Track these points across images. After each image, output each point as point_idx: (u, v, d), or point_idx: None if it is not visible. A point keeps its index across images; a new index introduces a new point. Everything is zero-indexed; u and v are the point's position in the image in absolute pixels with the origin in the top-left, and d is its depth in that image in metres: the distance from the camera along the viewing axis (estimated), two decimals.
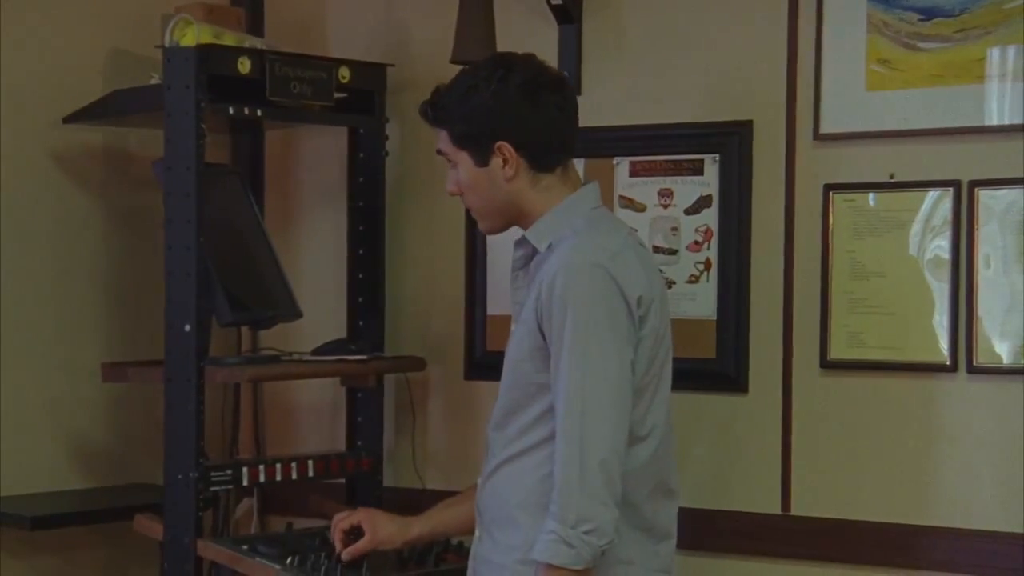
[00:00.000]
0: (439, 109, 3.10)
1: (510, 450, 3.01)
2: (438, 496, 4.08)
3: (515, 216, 3.08)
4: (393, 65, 4.19)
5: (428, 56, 4.24)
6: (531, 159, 3.04)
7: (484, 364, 4.14)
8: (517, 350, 3.01)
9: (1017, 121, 3.49)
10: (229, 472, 3.80)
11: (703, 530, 3.58)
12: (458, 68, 3.90)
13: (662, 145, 3.90)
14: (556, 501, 2.87)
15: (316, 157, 4.50)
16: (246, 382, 4.20)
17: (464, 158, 3.05)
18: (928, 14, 3.59)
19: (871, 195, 3.65)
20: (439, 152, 3.11)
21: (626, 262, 2.96)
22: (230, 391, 4.41)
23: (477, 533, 3.16)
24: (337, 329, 4.24)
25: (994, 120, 3.52)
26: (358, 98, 4.15)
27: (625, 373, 2.91)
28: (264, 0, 4.55)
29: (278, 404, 4.55)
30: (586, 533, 2.85)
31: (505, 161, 3.03)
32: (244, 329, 4.27)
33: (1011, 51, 3.51)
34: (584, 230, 3.01)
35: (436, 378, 4.24)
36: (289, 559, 3.63)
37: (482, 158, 3.03)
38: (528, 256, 3.10)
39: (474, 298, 4.18)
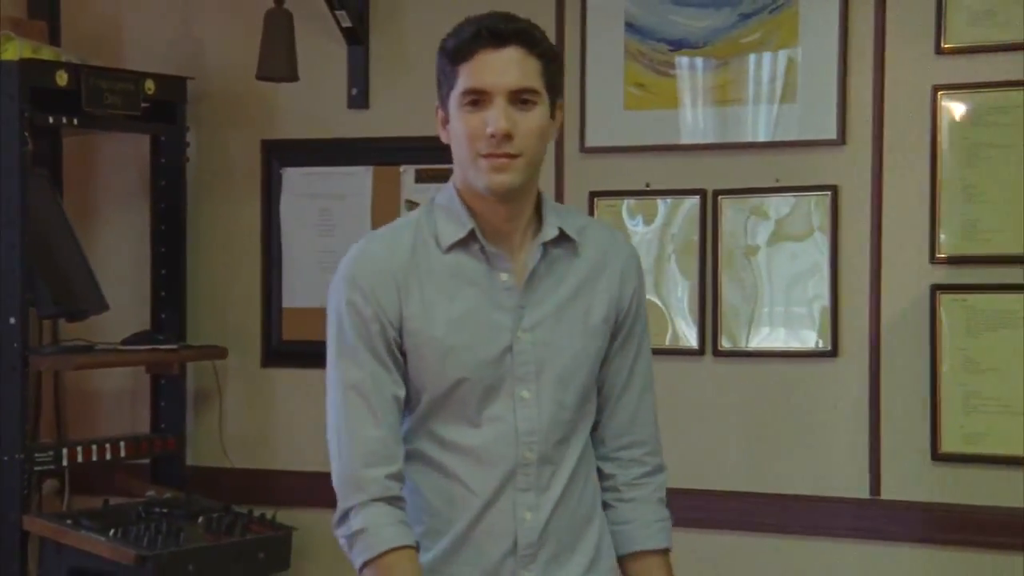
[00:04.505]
0: (538, 34, 2.56)
1: (572, 462, 2.62)
2: (243, 474, 4.45)
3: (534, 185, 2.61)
4: (193, 78, 4.54)
5: (224, 69, 4.61)
6: None
7: (280, 352, 4.55)
8: (591, 353, 2.62)
9: (753, 139, 4.05)
10: (51, 453, 4.12)
11: None
12: (262, 84, 4.35)
13: (445, 155, 4.27)
14: (663, 485, 2.73)
15: (114, 161, 4.80)
16: (71, 370, 4.48)
17: (545, 102, 2.54)
18: (676, 45, 4.12)
19: (629, 201, 4.16)
20: (520, 90, 2.49)
21: None
22: (31, 379, 4.66)
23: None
24: (139, 321, 4.57)
25: (735, 137, 4.06)
26: (160, 108, 4.49)
27: None
28: (60, 13, 4.80)
29: (76, 391, 4.82)
30: None
31: (556, 120, 2.62)
32: (45, 321, 4.57)
33: (746, 77, 4.06)
34: (580, 211, 3.03)
35: (235, 366, 4.60)
36: (113, 531, 3.96)
37: (552, 110, 2.57)
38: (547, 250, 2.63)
39: (271, 292, 4.56)
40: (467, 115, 2.53)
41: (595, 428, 2.69)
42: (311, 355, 4.41)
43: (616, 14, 4.16)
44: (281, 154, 4.55)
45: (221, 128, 4.64)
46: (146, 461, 4.53)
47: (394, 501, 2.52)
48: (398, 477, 2.54)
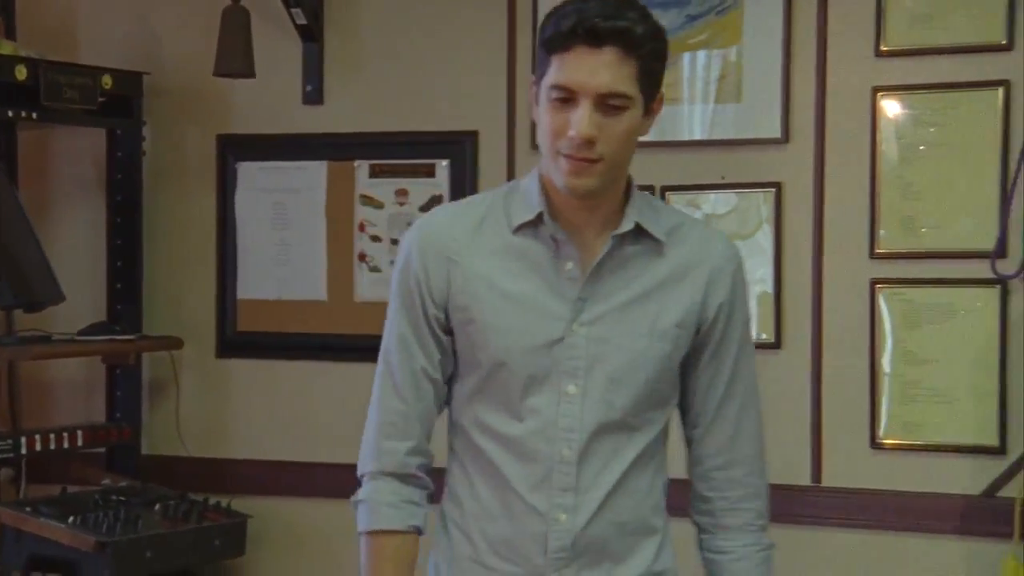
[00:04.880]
0: (641, 32, 2.36)
1: (621, 466, 2.46)
2: (198, 463, 4.52)
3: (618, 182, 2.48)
4: (149, 73, 4.60)
5: (180, 65, 4.68)
6: None
7: (235, 343, 4.63)
8: (656, 356, 2.45)
9: (700, 137, 4.16)
10: (10, 441, 4.19)
11: None
12: (217, 79, 4.42)
13: (398, 150, 4.44)
14: (765, 513, 2.58)
15: (70, 155, 4.85)
16: (29, 360, 4.53)
17: (637, 104, 2.37)
18: None
19: None
20: (609, 95, 2.33)
21: None
22: None
23: None
24: (95, 312, 4.64)
25: (683, 136, 4.17)
26: (117, 102, 4.55)
27: None
28: (15, 6, 4.84)
29: (31, 381, 4.85)
30: None
31: (652, 113, 2.44)
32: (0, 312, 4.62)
33: (694, 76, 4.17)
34: (682, 212, 2.72)
35: (190, 356, 4.67)
36: (72, 518, 4.03)
37: (649, 105, 2.41)
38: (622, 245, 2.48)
39: (226, 283, 4.63)
40: (553, 110, 2.35)
41: (691, 445, 2.56)
42: (266, 346, 4.59)
43: None
44: (237, 149, 4.62)
45: (177, 123, 4.71)
46: (101, 450, 4.59)
47: (407, 479, 2.47)
48: (417, 452, 2.48)
